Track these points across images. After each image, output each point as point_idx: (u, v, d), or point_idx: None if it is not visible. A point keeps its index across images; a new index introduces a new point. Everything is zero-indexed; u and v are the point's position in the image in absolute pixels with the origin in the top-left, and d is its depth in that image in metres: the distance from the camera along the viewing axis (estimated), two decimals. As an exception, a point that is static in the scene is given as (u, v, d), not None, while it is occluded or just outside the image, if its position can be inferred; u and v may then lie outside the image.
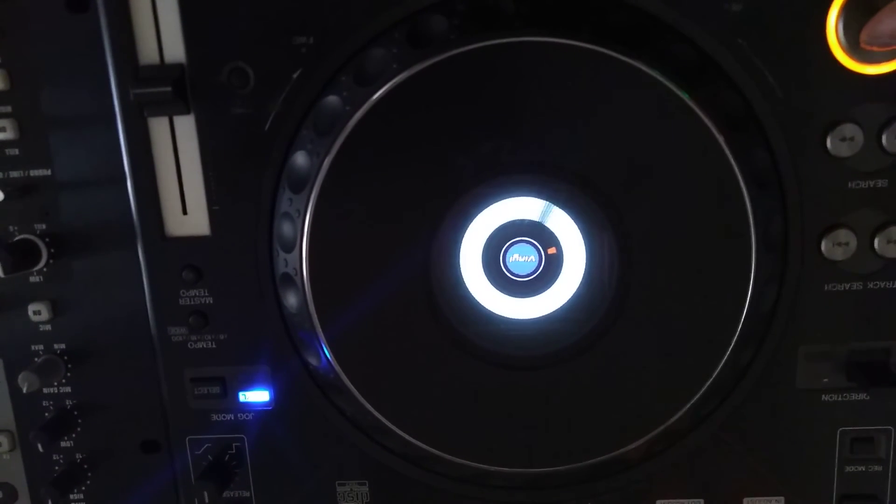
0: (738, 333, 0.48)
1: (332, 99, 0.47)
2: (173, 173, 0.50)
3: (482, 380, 0.50)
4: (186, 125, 0.49)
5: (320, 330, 0.49)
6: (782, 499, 0.54)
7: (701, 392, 0.49)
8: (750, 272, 0.47)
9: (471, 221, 0.48)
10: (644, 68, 0.44)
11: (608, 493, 0.55)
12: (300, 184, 0.48)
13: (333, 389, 0.52)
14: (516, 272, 0.49)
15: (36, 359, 0.55)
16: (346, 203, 0.47)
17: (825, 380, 0.51)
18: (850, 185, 0.48)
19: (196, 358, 0.54)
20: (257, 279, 0.51)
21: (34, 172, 0.52)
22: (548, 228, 0.48)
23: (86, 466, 0.58)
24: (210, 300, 0.52)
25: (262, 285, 0.51)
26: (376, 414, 0.51)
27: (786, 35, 0.46)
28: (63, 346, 0.55)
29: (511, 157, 0.47)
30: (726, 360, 0.48)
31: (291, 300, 0.50)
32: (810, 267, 0.49)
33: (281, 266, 0.50)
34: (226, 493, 0.56)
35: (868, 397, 0.51)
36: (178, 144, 0.50)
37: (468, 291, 0.49)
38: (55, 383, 0.56)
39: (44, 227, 0.53)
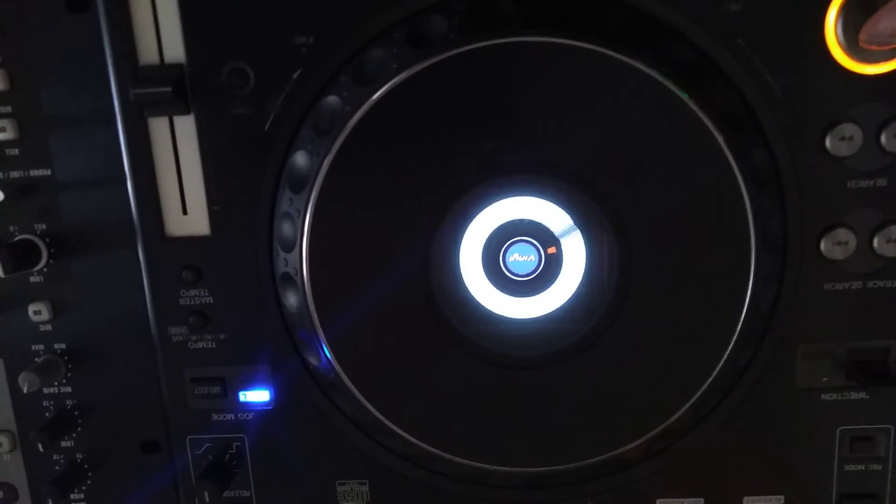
0: (737, 332, 0.48)
1: (332, 99, 0.47)
2: (173, 173, 0.50)
3: (482, 379, 0.50)
4: (186, 125, 0.49)
5: (320, 329, 0.49)
6: (782, 498, 0.54)
7: (700, 391, 0.49)
8: (749, 271, 0.47)
9: (471, 221, 0.49)
10: (643, 68, 0.44)
11: (608, 493, 0.55)
12: (300, 184, 0.48)
13: (333, 389, 0.53)
14: (516, 272, 0.49)
15: (36, 359, 0.55)
16: (346, 203, 0.48)
17: (825, 379, 0.51)
18: (849, 184, 0.48)
19: (196, 358, 0.54)
20: (257, 279, 0.51)
21: (34, 172, 0.52)
22: (547, 228, 0.49)
23: (86, 466, 0.58)
24: (210, 300, 0.52)
25: (262, 285, 0.51)
26: (376, 413, 0.51)
27: (785, 35, 0.46)
28: (63, 346, 0.55)
29: (510, 157, 0.47)
30: (726, 360, 0.49)
31: (291, 300, 0.50)
32: (810, 266, 0.49)
33: (281, 266, 0.50)
34: (226, 493, 0.56)
35: (867, 396, 0.52)
36: (178, 144, 0.50)
37: (468, 291, 0.50)
38: (55, 383, 0.56)
39: (44, 227, 0.53)
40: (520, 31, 0.45)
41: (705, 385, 0.49)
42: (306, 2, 0.47)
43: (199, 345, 0.53)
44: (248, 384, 0.54)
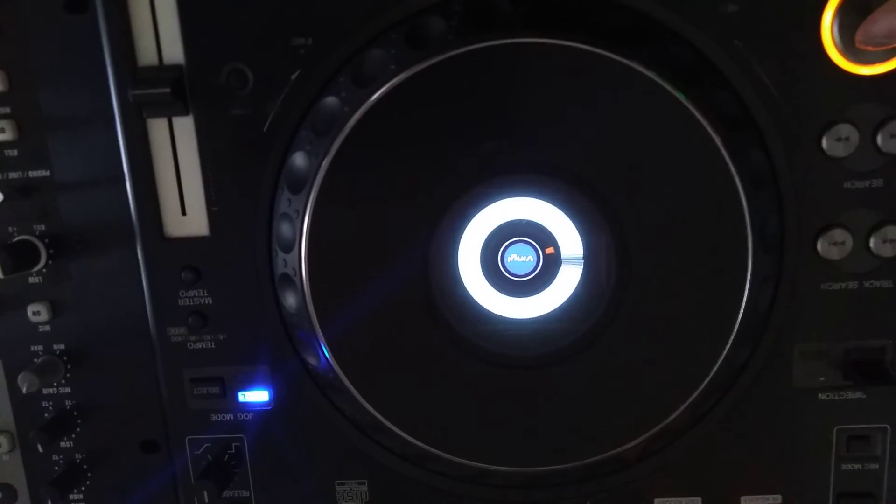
0: (734, 332, 0.48)
1: (331, 100, 0.47)
2: (172, 174, 0.51)
3: (480, 379, 0.51)
4: (185, 126, 0.49)
5: (319, 330, 0.49)
6: (779, 497, 0.54)
7: (698, 391, 0.49)
8: (746, 271, 0.47)
9: (469, 221, 0.49)
10: (641, 69, 0.45)
11: (606, 492, 0.55)
12: (299, 184, 0.48)
13: (332, 389, 0.53)
14: (514, 272, 0.49)
15: (35, 359, 0.55)
16: (344, 203, 0.48)
17: (821, 378, 0.51)
18: (845, 184, 0.48)
19: (195, 358, 0.54)
20: (256, 279, 0.51)
21: (33, 173, 0.52)
22: (546, 228, 0.49)
23: (85, 466, 0.58)
24: (209, 300, 0.52)
25: (261, 286, 0.51)
26: (375, 413, 0.51)
27: (782, 36, 0.46)
28: (62, 346, 0.55)
29: (509, 157, 0.47)
30: (723, 359, 0.49)
31: (290, 300, 0.50)
32: (806, 266, 0.49)
33: (280, 266, 0.50)
34: (225, 493, 0.56)
35: (864, 396, 0.52)
36: (177, 145, 0.50)
37: (466, 291, 0.50)
38: (54, 384, 0.56)
39: (43, 227, 0.53)
40: (518, 33, 0.45)
41: (703, 385, 0.49)
42: (305, 3, 0.47)
43: (199, 345, 0.53)
44: (248, 384, 0.54)
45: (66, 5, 0.49)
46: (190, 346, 0.53)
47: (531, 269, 0.49)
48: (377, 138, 0.47)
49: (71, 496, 0.58)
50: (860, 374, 0.50)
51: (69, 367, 0.56)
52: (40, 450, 0.56)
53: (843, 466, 0.53)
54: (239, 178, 0.50)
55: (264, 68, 0.48)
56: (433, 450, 0.52)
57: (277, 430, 0.55)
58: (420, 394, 0.51)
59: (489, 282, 0.50)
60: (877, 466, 0.53)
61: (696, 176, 0.46)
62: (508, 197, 0.48)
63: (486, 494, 0.55)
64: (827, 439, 0.53)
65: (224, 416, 0.55)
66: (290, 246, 0.49)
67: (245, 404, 0.54)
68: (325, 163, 0.47)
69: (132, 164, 0.50)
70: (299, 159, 0.48)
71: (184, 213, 0.51)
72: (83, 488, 0.58)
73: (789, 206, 0.48)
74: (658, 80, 0.45)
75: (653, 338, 0.49)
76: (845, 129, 0.47)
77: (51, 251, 0.53)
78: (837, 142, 0.47)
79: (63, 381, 0.56)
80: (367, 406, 0.51)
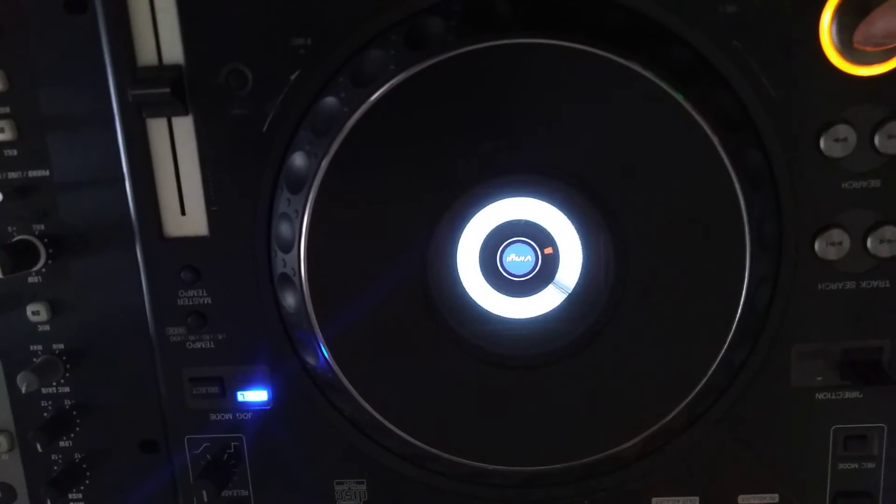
0: (732, 332, 0.48)
1: (330, 100, 0.47)
2: (172, 174, 0.51)
3: (479, 379, 0.51)
4: (185, 126, 0.49)
5: (318, 330, 0.49)
6: (776, 496, 0.54)
7: (696, 391, 0.49)
8: (744, 272, 0.47)
9: (468, 222, 0.49)
10: (639, 70, 0.45)
11: (604, 492, 0.55)
12: (298, 184, 0.48)
13: (331, 389, 0.53)
14: (513, 272, 0.49)
15: (34, 359, 0.55)
16: (344, 204, 0.48)
17: (819, 378, 0.52)
18: (843, 185, 0.48)
19: (194, 358, 0.54)
20: (255, 279, 0.51)
21: (32, 173, 0.52)
22: (544, 228, 0.49)
23: (84, 466, 0.58)
24: (208, 300, 0.52)
25: (261, 285, 0.51)
26: (374, 413, 0.51)
27: (780, 37, 0.46)
28: (62, 346, 0.55)
29: (508, 157, 0.47)
30: (721, 359, 0.49)
31: (289, 300, 0.50)
32: (804, 266, 0.49)
33: (279, 266, 0.50)
34: (224, 493, 0.56)
35: (861, 395, 0.52)
36: (177, 145, 0.50)
37: (465, 291, 0.50)
38: (54, 383, 0.56)
39: (42, 227, 0.53)
40: (517, 33, 0.45)
41: (701, 384, 0.49)
42: (304, 3, 0.47)
43: (198, 345, 0.53)
44: (247, 384, 0.54)
45: (65, 5, 0.49)
46: (189, 345, 0.53)
47: (530, 268, 0.49)
48: (376, 138, 0.47)
49: (70, 496, 0.58)
50: (857, 373, 0.50)
51: (68, 366, 0.56)
52: (39, 449, 0.56)
53: (841, 466, 0.53)
54: (238, 178, 0.50)
55: (264, 68, 0.48)
56: (432, 449, 0.52)
57: (276, 429, 0.55)
58: (419, 393, 0.51)
59: (488, 282, 0.50)
60: (874, 466, 0.53)
61: (695, 176, 0.46)
62: (507, 197, 0.48)
63: (484, 494, 0.55)
64: (824, 439, 0.53)
65: (223, 416, 0.55)
66: (290, 246, 0.49)
67: (244, 404, 0.54)
68: (325, 163, 0.47)
69: (131, 164, 0.50)
70: (299, 159, 0.48)
71: (183, 212, 0.51)
72: (82, 488, 0.58)
73: (787, 207, 0.48)
74: (656, 80, 0.45)
75: (651, 337, 0.49)
76: (843, 130, 0.47)
77: (50, 251, 0.53)
78: (835, 142, 0.47)
79: (62, 381, 0.56)
80: (366, 406, 0.51)
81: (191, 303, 0.52)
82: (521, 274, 0.49)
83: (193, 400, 0.54)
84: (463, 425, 0.52)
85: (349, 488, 0.56)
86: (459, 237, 0.49)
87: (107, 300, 0.54)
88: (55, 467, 0.58)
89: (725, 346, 0.48)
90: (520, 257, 0.49)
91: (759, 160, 0.47)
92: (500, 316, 0.50)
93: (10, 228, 0.53)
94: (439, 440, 0.52)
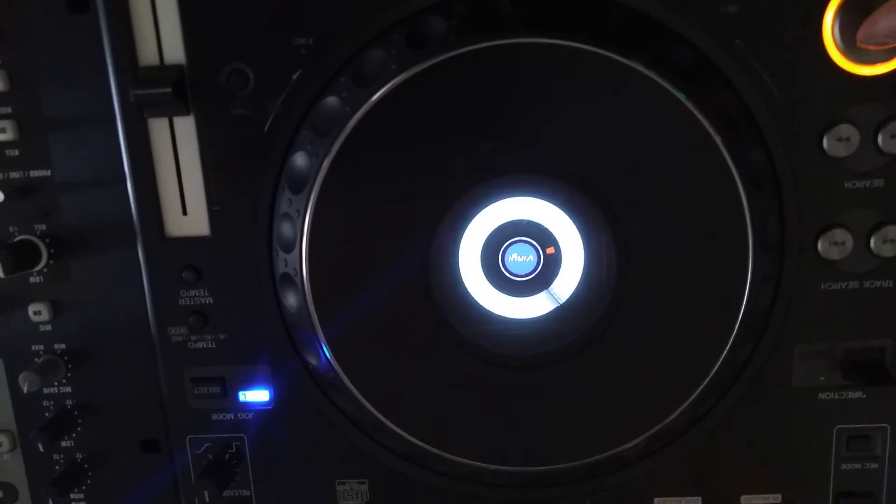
0: (735, 332, 0.48)
1: (332, 100, 0.47)
2: (173, 174, 0.51)
3: (481, 379, 0.51)
4: (186, 126, 0.49)
5: (320, 330, 0.49)
6: (779, 496, 0.54)
7: (698, 391, 0.49)
8: (747, 271, 0.47)
9: (469, 221, 0.49)
10: (641, 69, 0.45)
11: (606, 492, 0.55)
12: (300, 184, 0.48)
13: (333, 389, 0.53)
14: (515, 272, 0.49)
15: (36, 359, 0.55)
16: (345, 203, 0.48)
17: (822, 378, 0.52)
18: (846, 184, 0.48)
19: (196, 358, 0.54)
20: (257, 279, 0.51)
21: (34, 173, 0.52)
22: (546, 228, 0.49)
23: (86, 466, 0.58)
24: (210, 300, 0.52)
25: (262, 285, 0.51)
26: (376, 413, 0.51)
27: (782, 36, 0.46)
28: (63, 346, 0.55)
29: (509, 157, 0.47)
30: (723, 359, 0.49)
31: (291, 300, 0.50)
32: (807, 266, 0.49)
33: (280, 266, 0.50)
34: (226, 493, 0.56)
35: (864, 395, 0.52)
36: (178, 145, 0.50)
37: (467, 291, 0.50)
38: (55, 383, 0.56)
39: (44, 227, 0.53)
40: (518, 33, 0.45)
41: (703, 384, 0.49)
42: (306, 3, 0.47)
43: (199, 345, 0.53)
44: (248, 384, 0.54)
45: (67, 5, 0.49)
46: (190, 345, 0.53)
47: (532, 268, 0.49)
48: (378, 138, 0.47)
49: (72, 495, 0.58)
50: (860, 373, 0.50)
51: (70, 366, 0.56)
52: (41, 449, 0.56)
53: (843, 466, 0.53)
54: (240, 178, 0.50)
55: (265, 68, 0.48)
56: (433, 449, 0.52)
57: (278, 429, 0.55)
58: (420, 393, 0.51)
59: (490, 282, 0.50)
60: (876, 466, 0.53)
61: (697, 176, 0.46)
62: (509, 197, 0.48)
63: (486, 494, 0.55)
64: (827, 439, 0.53)
65: (225, 416, 0.55)
66: (291, 246, 0.49)
67: (246, 404, 0.55)
68: (326, 163, 0.47)
69: (133, 164, 0.50)
70: (300, 159, 0.48)
71: (185, 212, 0.51)
72: (84, 488, 0.58)
73: (790, 206, 0.48)
74: (659, 80, 0.45)
75: (653, 338, 0.49)
76: (846, 129, 0.47)
77: (52, 251, 0.53)
78: (838, 142, 0.47)
79: (64, 381, 0.56)
80: (368, 405, 0.51)
81: (192, 303, 0.52)
82: (522, 274, 0.49)
83: (195, 400, 0.54)
84: (465, 425, 0.52)
85: (351, 488, 0.56)
86: (461, 237, 0.49)
87: (108, 300, 0.54)
88: (57, 467, 0.58)
89: (728, 346, 0.48)
90: (521, 257, 0.49)
91: (762, 160, 0.47)
92: (501, 316, 0.50)
93: (11, 228, 0.53)
94: (441, 440, 0.52)
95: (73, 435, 0.57)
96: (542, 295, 0.49)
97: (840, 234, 0.48)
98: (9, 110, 0.51)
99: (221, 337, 0.53)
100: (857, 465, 0.53)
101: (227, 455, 0.56)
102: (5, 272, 0.51)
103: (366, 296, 0.49)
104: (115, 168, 0.51)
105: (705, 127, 0.45)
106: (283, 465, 0.56)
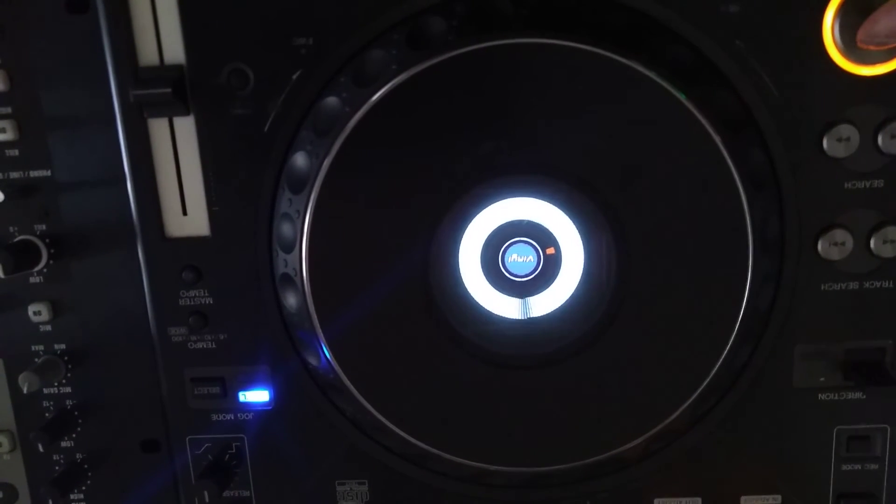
0: (735, 333, 0.48)
1: (332, 100, 0.47)
2: (173, 174, 0.51)
3: (481, 379, 0.51)
4: (186, 126, 0.49)
5: (320, 330, 0.49)
6: (779, 497, 0.54)
7: (699, 391, 0.49)
8: (747, 272, 0.47)
9: (470, 222, 0.49)
10: (641, 69, 0.44)
11: (606, 492, 0.55)
12: (300, 184, 0.48)
13: (333, 389, 0.53)
14: (515, 272, 0.49)
15: (36, 359, 0.55)
16: (345, 204, 0.48)
17: (822, 379, 0.52)
18: (846, 185, 0.48)
19: (196, 358, 0.54)
20: (257, 280, 0.51)
21: (34, 173, 0.52)
22: (546, 229, 0.49)
23: (86, 466, 0.58)
24: (210, 300, 0.52)
25: (262, 286, 0.51)
26: (376, 413, 0.51)
27: (782, 36, 0.46)
28: (63, 346, 0.55)
29: (509, 157, 0.47)
30: (723, 360, 0.49)
31: (291, 300, 0.50)
32: (807, 267, 0.49)
33: (280, 266, 0.50)
34: (226, 493, 0.56)
35: (864, 396, 0.52)
36: (178, 145, 0.50)
37: (467, 291, 0.50)
38: (55, 383, 0.56)
39: (44, 227, 0.53)
40: (519, 33, 0.45)
41: (703, 385, 0.49)
42: (306, 3, 0.47)
43: (199, 345, 0.53)
44: (248, 384, 0.54)
45: (66, 5, 0.49)
46: (190, 345, 0.53)
47: (532, 269, 0.49)
48: (378, 138, 0.47)
49: (72, 496, 0.58)
50: (860, 374, 0.50)
51: (70, 366, 0.56)
52: (41, 449, 0.56)
53: (844, 467, 0.53)
54: (240, 178, 0.50)
55: (265, 68, 0.48)
56: (433, 450, 0.52)
57: (278, 430, 0.55)
58: (420, 394, 0.51)
59: (490, 282, 0.50)
60: (877, 467, 0.53)
61: (697, 176, 0.46)
62: (509, 197, 0.48)
63: (486, 494, 0.55)
64: (827, 440, 0.53)
65: (224, 416, 0.55)
66: (291, 246, 0.49)
67: (245, 404, 0.55)
68: (326, 163, 0.47)
69: (133, 164, 0.50)
70: (300, 159, 0.48)
71: (185, 213, 0.51)
72: (84, 488, 0.58)
73: (790, 207, 0.48)
74: (659, 80, 0.45)
75: (653, 338, 0.49)
76: (846, 130, 0.47)
77: (51, 251, 0.53)
78: (838, 142, 0.47)
79: (64, 381, 0.56)
80: (368, 406, 0.51)
81: (192, 303, 0.52)
82: (522, 274, 0.49)
83: (195, 400, 0.54)
84: (465, 426, 0.52)
85: (351, 489, 0.56)
86: (461, 237, 0.49)
87: (108, 300, 0.54)
88: (57, 467, 0.58)
89: (728, 347, 0.48)
90: (521, 258, 0.49)
91: (762, 160, 0.47)
92: (501, 316, 0.50)
93: (11, 228, 0.53)
94: (441, 440, 0.52)
95: (73, 435, 0.57)
96: (549, 291, 0.49)
97: (840, 235, 0.48)
98: (9, 110, 0.51)
99: (221, 337, 0.53)
100: (857, 466, 0.53)
101: (227, 455, 0.56)
102: (5, 272, 0.51)
103: (366, 296, 0.49)
104: (115, 168, 0.51)
105: (705, 127, 0.45)
106: (283, 465, 0.56)
